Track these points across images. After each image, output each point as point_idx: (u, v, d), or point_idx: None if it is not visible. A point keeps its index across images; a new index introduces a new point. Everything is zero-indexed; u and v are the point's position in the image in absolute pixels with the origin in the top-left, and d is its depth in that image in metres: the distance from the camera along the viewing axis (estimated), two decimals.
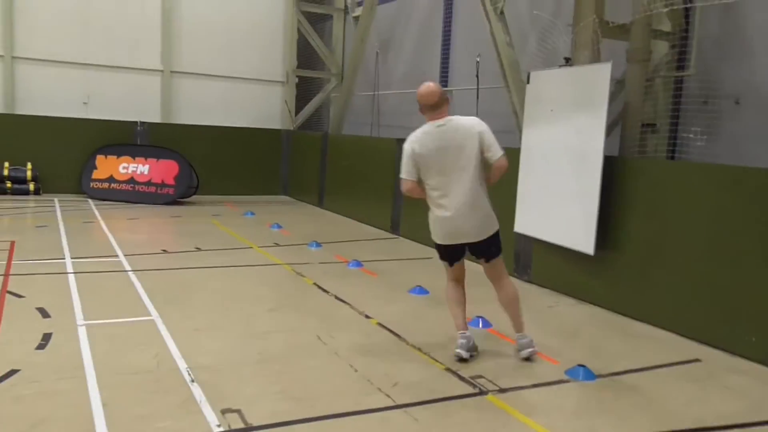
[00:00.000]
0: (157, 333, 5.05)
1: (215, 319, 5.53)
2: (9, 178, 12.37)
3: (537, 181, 7.10)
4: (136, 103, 13.99)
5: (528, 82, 7.34)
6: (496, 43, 8.71)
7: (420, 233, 9.64)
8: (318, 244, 9.01)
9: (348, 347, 4.95)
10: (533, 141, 7.17)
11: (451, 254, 4.86)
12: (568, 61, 7.18)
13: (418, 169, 4.66)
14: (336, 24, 15.19)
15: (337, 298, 6.37)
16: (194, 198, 13.11)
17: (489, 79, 9.46)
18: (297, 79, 15.31)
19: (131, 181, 12.64)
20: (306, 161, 13.98)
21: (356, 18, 13.14)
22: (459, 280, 4.95)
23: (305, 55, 15.39)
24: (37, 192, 12.55)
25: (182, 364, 4.41)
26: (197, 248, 8.46)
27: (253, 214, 11.80)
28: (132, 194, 12.49)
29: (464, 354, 4.69)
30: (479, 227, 4.68)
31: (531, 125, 7.22)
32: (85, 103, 13.60)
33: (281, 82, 15.45)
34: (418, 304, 6.37)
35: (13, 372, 4.12)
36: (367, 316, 5.80)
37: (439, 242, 4.83)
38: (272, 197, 14.56)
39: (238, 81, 15.04)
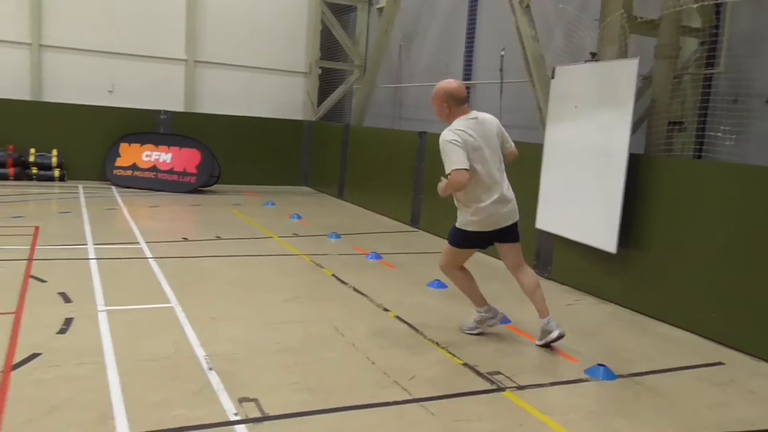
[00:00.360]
0: (175, 320, 5.08)
1: (233, 308, 5.55)
2: (35, 164, 12.53)
3: (560, 178, 7.02)
4: (159, 92, 14.08)
5: (553, 77, 7.25)
6: (521, 37, 8.62)
7: (439, 227, 9.61)
8: (337, 236, 9.01)
9: (365, 339, 4.94)
10: (557, 137, 7.09)
11: (482, 241, 5.02)
12: (594, 57, 7.07)
13: (469, 159, 4.69)
14: (360, 15, 15.13)
15: (355, 290, 6.36)
16: (215, 187, 13.18)
17: (512, 74, 9.37)
18: (320, 71, 15.29)
19: (154, 169, 12.73)
20: (327, 152, 13.98)
21: (380, 9, 13.09)
22: (464, 268, 5.19)
23: (328, 47, 15.37)
24: (62, 178, 12.70)
25: (200, 352, 4.43)
26: (217, 237, 8.50)
27: (273, 204, 11.84)
28: (154, 182, 12.59)
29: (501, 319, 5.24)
30: (515, 210, 5.00)
31: (555, 121, 7.14)
32: (110, 91, 13.71)
33: (303, 73, 15.45)
34: (436, 298, 6.34)
35: (34, 356, 4.16)
36: (385, 309, 5.78)
37: (479, 230, 4.90)
38: (292, 188, 14.59)
39: (261, 71, 15.06)
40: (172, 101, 14.24)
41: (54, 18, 13.18)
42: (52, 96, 13.21)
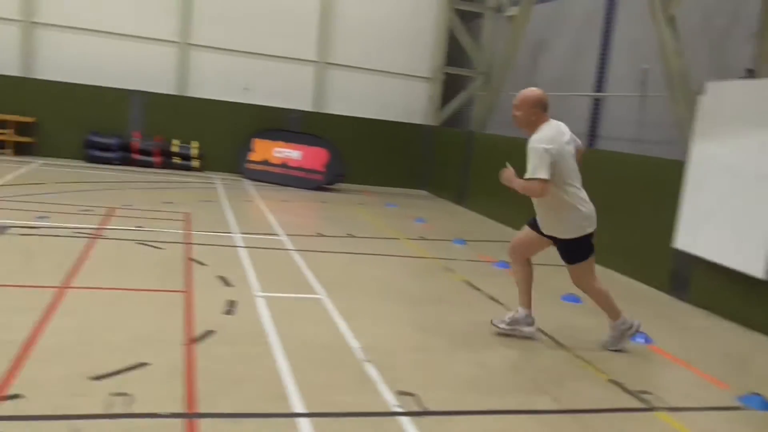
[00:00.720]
0: (326, 311, 5.38)
1: (378, 305, 5.81)
2: (177, 154, 13.49)
3: (706, 198, 6.81)
4: (291, 91, 14.76)
5: (702, 94, 7.05)
6: (664, 50, 8.40)
7: None
8: (463, 242, 9.15)
9: (507, 346, 5.05)
10: (705, 155, 6.88)
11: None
12: (751, 73, 6.82)
13: (553, 171, 4.72)
14: (487, 22, 15.19)
15: (489, 297, 6.47)
16: (338, 185, 13.66)
17: (649, 87, 9.15)
18: (443, 76, 15.49)
19: (284, 165, 13.38)
20: (448, 158, 14.15)
21: (509, 17, 13.10)
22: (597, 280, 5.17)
23: (452, 52, 15.54)
24: (200, 169, 13.60)
25: (353, 344, 4.70)
26: (349, 234, 8.85)
27: (395, 205, 12.14)
28: (283, 177, 13.23)
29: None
30: None
31: (704, 139, 6.93)
32: (246, 89, 14.52)
33: (427, 78, 15.70)
34: (571, 311, 6.34)
35: (209, 333, 4.57)
36: None
37: (588, 233, 4.92)
38: (410, 191, 14.87)
39: (386, 75, 15.45)
40: (302, 101, 14.89)
41: (201, 19, 14.13)
42: (195, 92, 14.16)
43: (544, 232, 5.05)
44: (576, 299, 6.62)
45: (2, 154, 12.57)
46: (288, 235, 8.25)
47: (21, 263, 5.84)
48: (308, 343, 4.61)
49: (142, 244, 6.94)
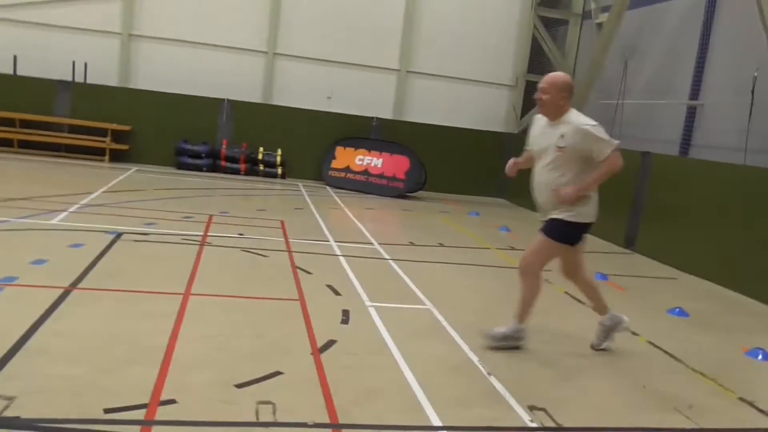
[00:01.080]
0: (437, 322, 5.41)
1: (486, 317, 5.78)
2: (262, 161, 13.84)
3: None
4: (372, 99, 14.92)
5: None
6: None
7: (660, 250, 9.30)
8: None
9: (624, 361, 4.96)
10: None
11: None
12: None
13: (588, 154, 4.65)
14: (571, 29, 14.98)
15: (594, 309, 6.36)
16: (416, 193, 13.70)
17: (741, 94, 8.82)
18: (525, 84, 15.35)
19: (365, 172, 13.53)
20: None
21: (599, 25, 12.87)
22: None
23: (533, 59, 15.38)
24: (283, 176, 13.91)
25: (472, 356, 4.70)
26: (440, 244, 8.87)
27: (478, 214, 12.09)
28: (365, 185, 13.38)
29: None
30: None
31: None
32: (328, 97, 14.76)
33: (508, 85, 15.60)
34: (681, 325, 6.17)
35: (331, 342, 4.66)
36: (633, 333, 5.73)
37: (591, 221, 4.87)
38: (488, 199, 14.78)
39: (467, 83, 15.44)
40: (383, 108, 15.03)
41: (288, 29, 14.47)
42: (279, 100, 14.50)
43: (549, 215, 4.82)
44: (684, 313, 6.45)
45: (100, 160, 13.17)
46: (381, 243, 8.34)
47: (142, 269, 6.10)
48: (429, 355, 4.64)
49: (247, 251, 7.14)
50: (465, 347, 4.87)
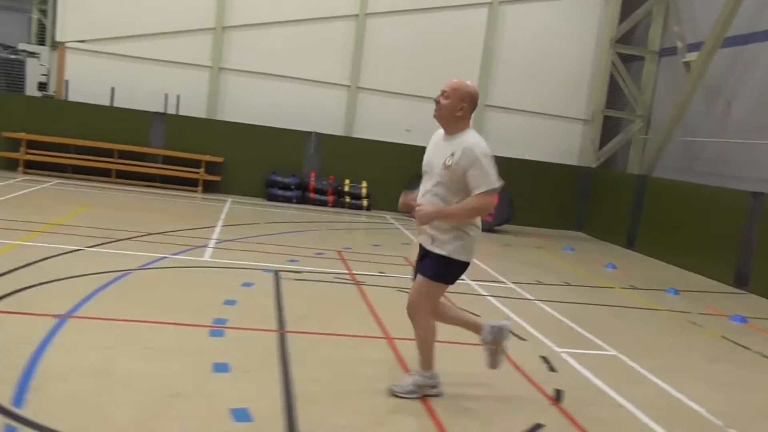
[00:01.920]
0: (632, 369, 5.49)
1: (673, 363, 5.86)
2: (348, 193, 14.03)
3: None
4: None
5: None
6: None
7: None
8: (675, 291, 9.11)
9: None
10: None
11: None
12: None
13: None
14: (647, 65, 15.18)
15: (762, 355, 6.44)
16: (498, 227, 13.84)
17: None
18: (603, 118, 15.54)
19: None
20: (611, 200, 14.11)
21: (686, 63, 13.05)
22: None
23: (609, 95, 15.58)
24: (368, 208, 14.08)
25: (693, 406, 4.78)
26: (565, 282, 8.97)
27: (572, 249, 12.19)
28: None
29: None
30: None
31: None
32: (407, 130, 14.99)
33: (583, 119, 15.79)
34: None
35: (559, 392, 4.75)
36: None
37: (466, 260, 4.20)
38: (569, 232, 14.88)
39: (542, 117, 15.65)
40: None
41: (369, 63, 14.75)
42: (362, 133, 14.74)
43: (428, 247, 4.20)
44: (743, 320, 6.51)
45: (193, 191, 13.40)
46: (514, 282, 8.45)
47: (327, 312, 6.17)
48: (655, 406, 4.72)
49: (402, 291, 7.27)
50: (681, 397, 4.94)
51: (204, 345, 4.89)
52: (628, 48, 15.30)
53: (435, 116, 4.27)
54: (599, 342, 6.19)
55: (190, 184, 13.48)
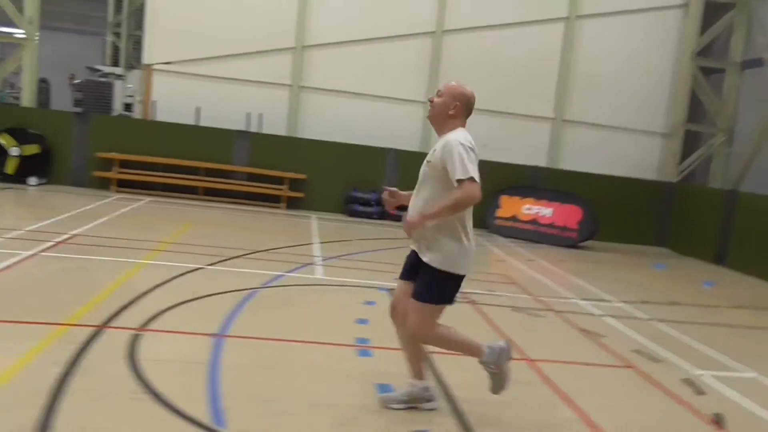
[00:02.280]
0: None
1: None
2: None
3: None
4: (528, 147, 15.09)
5: None
6: None
7: None
8: None
9: None
10: None
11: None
12: None
13: None
14: (728, 77, 14.88)
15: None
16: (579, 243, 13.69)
17: None
18: (683, 132, 15.28)
19: (534, 221, 13.59)
20: (698, 215, 13.81)
21: None
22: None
23: (689, 108, 15.32)
24: None
25: None
26: (673, 302, 8.80)
27: (663, 266, 11.98)
28: (534, 234, 13.43)
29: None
30: None
31: None
32: (485, 145, 14.93)
33: (662, 133, 15.55)
34: None
35: (719, 415, 4.67)
36: None
37: (461, 273, 3.97)
38: (652, 248, 14.59)
39: (620, 131, 15.47)
40: (538, 157, 15.16)
41: (444, 79, 14.79)
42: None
43: (423, 258, 4.00)
44: None
45: (276, 207, 13.64)
46: (622, 301, 8.35)
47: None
48: None
49: (518, 310, 7.26)
50: None
51: (357, 364, 4.98)
52: (708, 60, 15.03)
53: (428, 116, 4.19)
54: (735, 363, 6.06)
55: (272, 200, 13.72)
